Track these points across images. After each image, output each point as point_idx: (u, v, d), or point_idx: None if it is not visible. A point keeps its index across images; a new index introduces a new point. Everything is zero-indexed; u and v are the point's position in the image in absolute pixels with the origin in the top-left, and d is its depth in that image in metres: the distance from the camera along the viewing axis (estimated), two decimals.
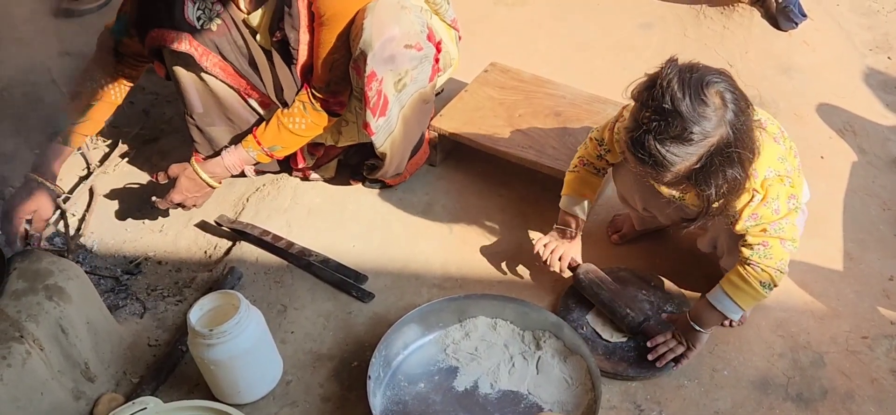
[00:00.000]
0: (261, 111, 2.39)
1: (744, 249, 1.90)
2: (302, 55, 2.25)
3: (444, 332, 2.14)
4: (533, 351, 2.07)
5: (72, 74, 2.85)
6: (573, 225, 2.23)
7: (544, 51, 3.27)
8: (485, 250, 2.42)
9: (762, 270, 1.89)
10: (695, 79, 1.68)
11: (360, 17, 2.15)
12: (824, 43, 3.21)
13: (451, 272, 2.35)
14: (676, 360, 2.04)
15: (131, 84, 2.46)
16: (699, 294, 2.16)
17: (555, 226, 2.26)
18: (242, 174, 2.43)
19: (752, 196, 1.84)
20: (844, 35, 3.32)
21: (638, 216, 2.31)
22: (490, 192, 2.60)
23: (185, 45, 2.22)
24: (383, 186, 2.59)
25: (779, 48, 3.16)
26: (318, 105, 2.29)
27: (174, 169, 2.38)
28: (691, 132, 1.66)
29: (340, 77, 2.26)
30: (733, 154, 1.71)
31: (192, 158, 2.38)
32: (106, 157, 2.81)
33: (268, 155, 2.36)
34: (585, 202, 2.21)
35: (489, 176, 2.64)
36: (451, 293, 2.24)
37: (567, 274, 2.25)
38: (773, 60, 3.12)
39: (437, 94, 2.68)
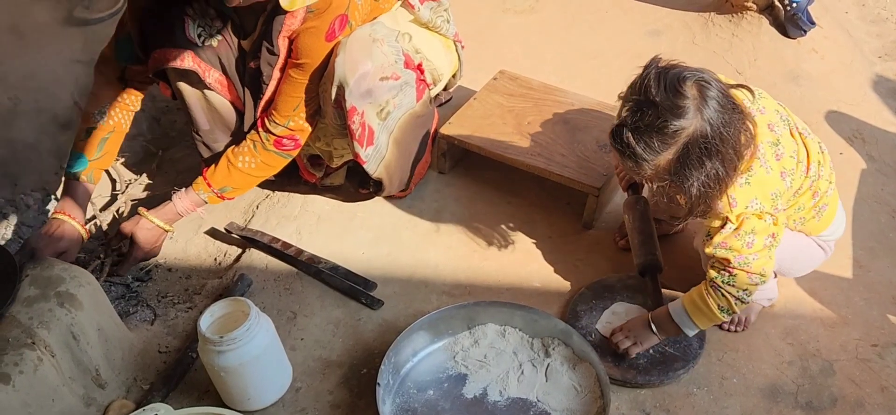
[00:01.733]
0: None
1: (710, 270, 1.89)
2: (270, 90, 2.24)
3: (453, 339, 2.14)
4: (542, 358, 2.07)
5: (83, 84, 2.87)
6: None
7: (553, 58, 3.28)
8: (494, 258, 2.42)
9: (723, 295, 1.87)
10: (672, 73, 1.67)
11: (333, 55, 2.14)
12: (833, 50, 3.21)
13: (459, 279, 2.35)
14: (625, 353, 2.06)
15: (138, 107, 2.42)
16: None
17: None
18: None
19: (725, 223, 1.81)
20: (853, 43, 3.32)
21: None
22: (499, 199, 2.60)
23: (188, 62, 2.21)
24: (391, 196, 2.60)
25: (787, 56, 3.16)
26: (270, 144, 2.27)
27: (127, 227, 2.32)
28: (665, 122, 1.65)
29: (308, 116, 2.26)
30: (712, 146, 1.68)
31: (140, 208, 2.34)
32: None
33: (219, 197, 2.33)
34: None
35: (498, 183, 2.64)
36: (460, 300, 2.24)
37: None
38: (782, 68, 3.11)
39: (445, 102, 2.68)
